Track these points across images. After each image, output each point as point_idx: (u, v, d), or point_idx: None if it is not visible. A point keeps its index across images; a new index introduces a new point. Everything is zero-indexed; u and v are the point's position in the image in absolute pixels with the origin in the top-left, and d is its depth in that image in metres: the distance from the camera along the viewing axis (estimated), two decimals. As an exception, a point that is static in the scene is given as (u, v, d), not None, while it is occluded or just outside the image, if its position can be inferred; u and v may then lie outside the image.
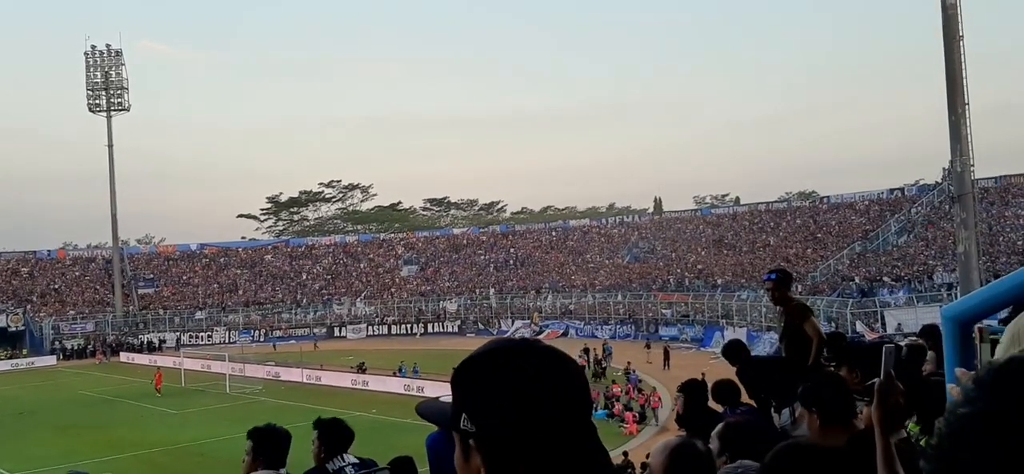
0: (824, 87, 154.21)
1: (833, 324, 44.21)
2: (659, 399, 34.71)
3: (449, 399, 1.47)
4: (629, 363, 42.50)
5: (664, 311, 63.78)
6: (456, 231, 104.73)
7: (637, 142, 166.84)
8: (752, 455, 3.03)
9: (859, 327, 45.73)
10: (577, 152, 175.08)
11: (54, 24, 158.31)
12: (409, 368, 45.45)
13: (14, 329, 75.35)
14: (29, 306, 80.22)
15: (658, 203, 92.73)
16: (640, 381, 39.80)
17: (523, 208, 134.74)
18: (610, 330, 63.25)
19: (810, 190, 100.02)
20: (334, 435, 5.35)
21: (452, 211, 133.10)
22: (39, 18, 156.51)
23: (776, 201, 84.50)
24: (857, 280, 57.47)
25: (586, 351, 45.53)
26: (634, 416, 33.06)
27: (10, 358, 70.98)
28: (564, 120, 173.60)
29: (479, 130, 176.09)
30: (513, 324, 71.35)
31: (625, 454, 23.61)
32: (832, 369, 5.86)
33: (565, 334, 65.67)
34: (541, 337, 65.73)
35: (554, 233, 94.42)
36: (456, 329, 74.30)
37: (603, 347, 48.18)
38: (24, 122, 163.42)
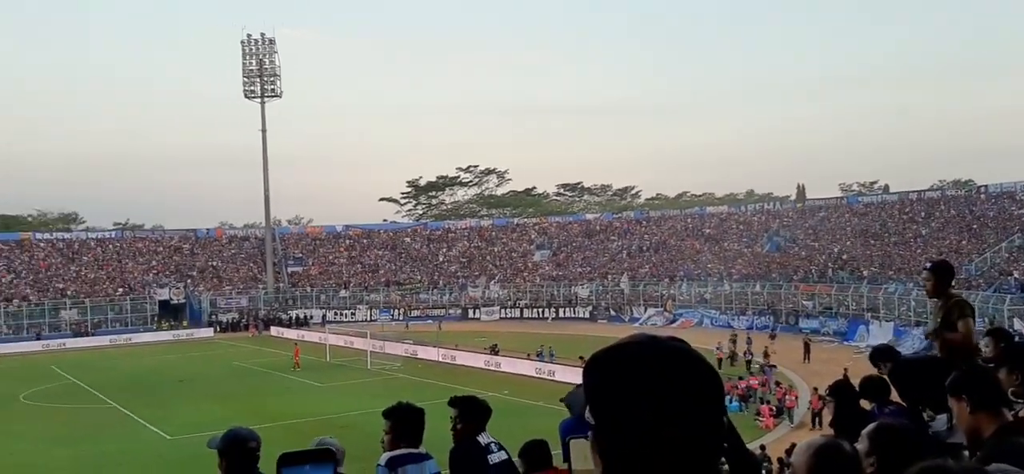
0: (981, 64, 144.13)
1: (989, 321, 41.50)
2: (796, 397, 33.50)
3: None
4: (767, 354, 41.30)
5: (805, 303, 61.52)
6: (589, 216, 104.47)
7: (778, 126, 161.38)
8: (905, 462, 2.89)
9: (1017, 324, 42.70)
10: (714, 137, 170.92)
11: (214, 15, 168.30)
12: (546, 352, 45.74)
13: (176, 302, 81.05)
14: (189, 281, 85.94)
15: (801, 190, 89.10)
16: (775, 369, 38.58)
17: (657, 194, 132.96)
18: (747, 320, 61.57)
19: (966, 178, 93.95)
20: (474, 411, 5.42)
21: (585, 196, 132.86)
22: (201, 9, 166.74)
23: (929, 190, 79.81)
24: (1016, 275, 53.58)
25: (734, 340, 44.97)
26: (770, 409, 32.12)
27: (172, 329, 76.43)
28: (700, 104, 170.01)
29: (614, 115, 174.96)
30: (646, 312, 70.64)
31: (762, 447, 23.05)
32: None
33: (700, 323, 64.47)
34: (675, 325, 64.85)
35: (690, 220, 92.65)
36: (587, 315, 74.24)
37: (746, 338, 46.90)
38: (187, 109, 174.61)
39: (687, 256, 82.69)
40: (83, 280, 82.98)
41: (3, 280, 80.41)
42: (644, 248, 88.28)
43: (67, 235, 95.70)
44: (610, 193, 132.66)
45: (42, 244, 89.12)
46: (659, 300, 72.10)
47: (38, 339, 70.63)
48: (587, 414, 1.39)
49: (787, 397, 33.39)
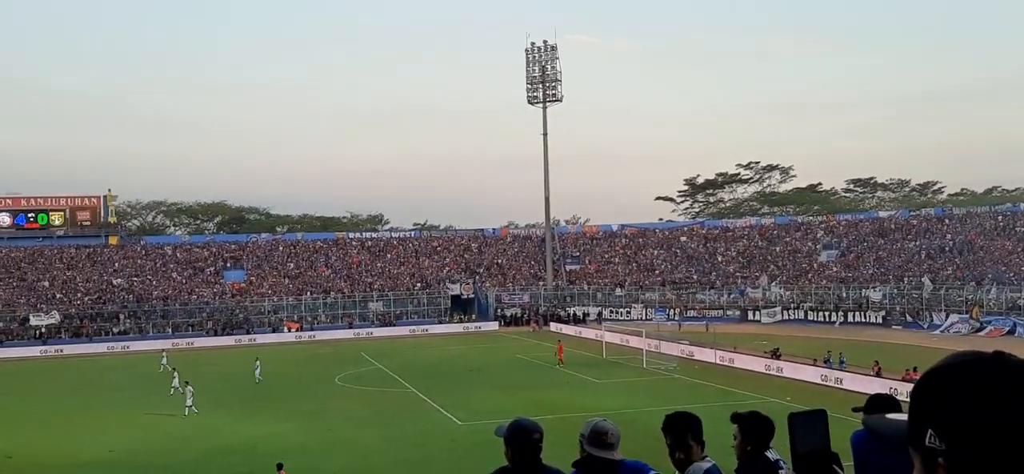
0: None
1: None
2: None
3: (895, 416, 1.51)
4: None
5: None
6: (882, 214, 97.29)
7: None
8: None
9: None
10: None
11: (501, 25, 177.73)
12: (835, 359, 43.36)
13: (466, 297, 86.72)
14: (477, 277, 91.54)
15: None
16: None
17: (962, 189, 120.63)
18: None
19: None
20: (757, 428, 5.03)
21: (878, 193, 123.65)
22: (489, 19, 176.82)
23: None
24: None
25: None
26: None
27: (461, 322, 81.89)
28: (1008, 92, 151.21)
29: (910, 105, 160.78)
30: (947, 318, 64.42)
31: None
32: None
33: (1011, 332, 57.72)
34: (981, 334, 58.58)
35: (1000, 218, 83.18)
36: (880, 320, 69.06)
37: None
38: (476, 116, 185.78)
39: (997, 258, 74.38)
40: (387, 275, 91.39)
41: (322, 274, 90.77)
42: (946, 249, 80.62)
43: (374, 234, 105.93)
44: (907, 189, 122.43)
45: (354, 242, 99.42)
46: (963, 305, 65.43)
47: (350, 328, 78.96)
48: (930, 438, 1.30)
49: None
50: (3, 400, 42.00)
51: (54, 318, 76.44)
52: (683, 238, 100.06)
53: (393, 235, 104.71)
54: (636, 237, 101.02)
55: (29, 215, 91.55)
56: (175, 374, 42.10)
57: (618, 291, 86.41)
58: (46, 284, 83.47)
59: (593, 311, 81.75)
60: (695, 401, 34.88)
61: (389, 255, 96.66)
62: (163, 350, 59.34)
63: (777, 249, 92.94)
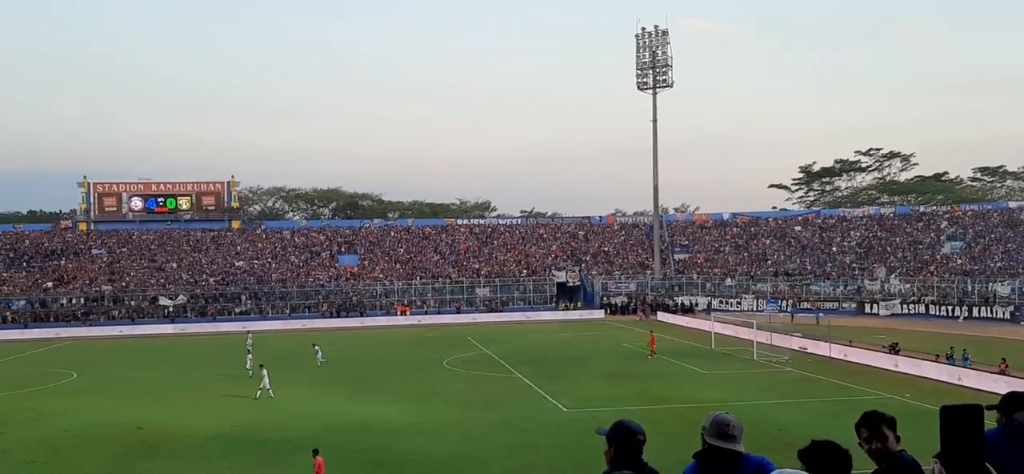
0: None
1: None
2: None
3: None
4: None
5: None
6: (1011, 204, 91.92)
7: None
8: None
9: None
10: None
11: (610, 11, 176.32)
12: (958, 355, 41.34)
13: (571, 284, 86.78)
14: (583, 265, 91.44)
15: None
16: None
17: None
18: None
19: None
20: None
21: (1008, 182, 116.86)
22: (598, 6, 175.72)
23: None
24: None
25: None
26: None
27: (567, 309, 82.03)
28: None
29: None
30: (1087, 316, 60.49)
31: None
32: None
33: None
34: None
35: None
36: (1007, 316, 65.43)
37: None
38: (584, 103, 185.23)
39: None
40: (494, 261, 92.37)
41: (431, 260, 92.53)
42: (1086, 241, 75.62)
43: (482, 221, 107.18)
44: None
45: (462, 229, 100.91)
46: (1104, 303, 61.29)
47: (458, 312, 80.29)
48: None
49: None
50: (135, 374, 44.72)
51: (181, 299, 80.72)
52: (797, 227, 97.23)
53: (500, 222, 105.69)
54: (748, 226, 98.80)
55: (159, 200, 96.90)
56: (250, 356, 44.07)
57: (728, 281, 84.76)
58: (174, 265, 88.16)
59: (702, 301, 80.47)
60: (809, 395, 33.96)
61: (496, 241, 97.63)
62: (249, 331, 61.81)
63: (897, 240, 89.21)
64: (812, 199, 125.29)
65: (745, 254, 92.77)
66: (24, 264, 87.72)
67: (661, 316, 75.03)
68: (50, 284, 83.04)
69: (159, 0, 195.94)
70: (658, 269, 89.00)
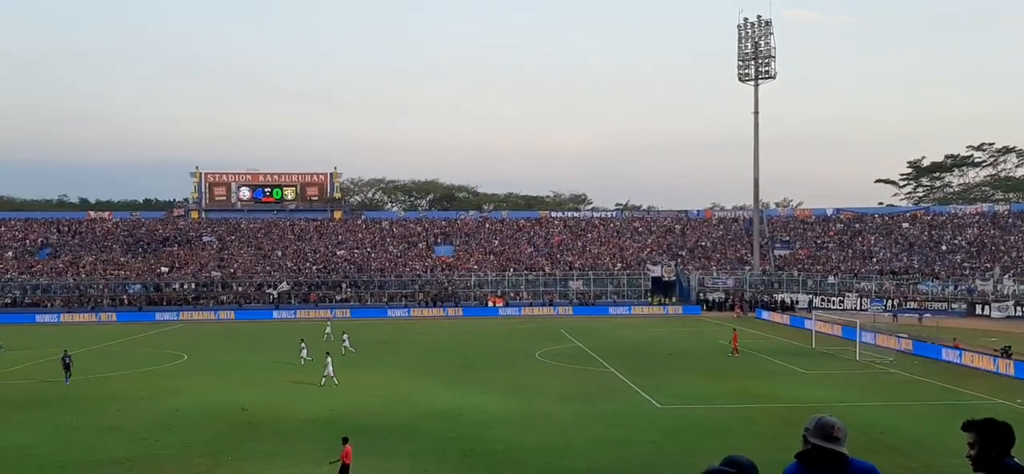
0: None
1: None
2: None
3: None
4: None
5: None
6: None
7: None
8: None
9: None
10: None
11: (712, 1, 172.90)
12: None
13: (667, 279, 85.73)
14: (680, 260, 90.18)
15: None
16: None
17: None
18: None
19: None
20: (996, 437, 4.32)
21: None
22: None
23: None
24: None
25: None
26: None
27: (662, 304, 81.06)
28: None
29: None
30: None
31: None
32: None
33: None
34: None
35: None
36: None
37: None
38: (682, 94, 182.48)
39: None
40: (588, 254, 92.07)
41: (524, 252, 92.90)
42: None
43: (576, 214, 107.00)
44: None
45: (556, 221, 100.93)
46: None
47: (550, 305, 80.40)
48: None
49: None
50: (241, 357, 46.52)
51: (285, 286, 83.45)
52: (904, 224, 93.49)
53: (595, 215, 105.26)
54: (852, 222, 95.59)
55: (266, 190, 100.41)
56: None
57: (830, 278, 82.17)
58: (279, 253, 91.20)
59: (802, 299, 78.29)
60: (914, 398, 32.65)
61: (590, 235, 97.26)
62: (328, 318, 63.18)
63: (1012, 239, 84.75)
64: (921, 195, 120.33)
65: (849, 251, 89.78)
66: (140, 250, 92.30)
67: (763, 314, 73.32)
68: (165, 269, 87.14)
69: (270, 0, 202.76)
70: (757, 265, 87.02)
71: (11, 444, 25.14)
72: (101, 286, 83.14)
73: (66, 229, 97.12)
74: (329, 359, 37.34)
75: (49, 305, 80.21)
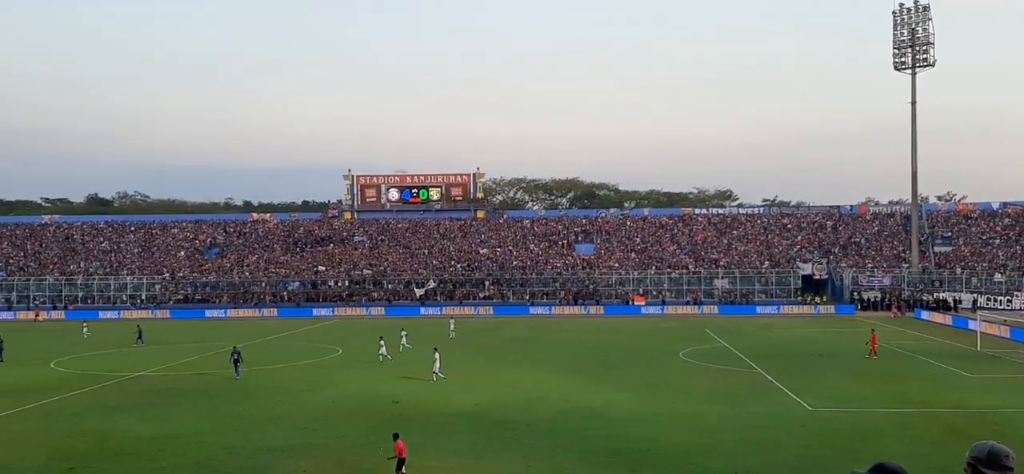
0: None
1: None
2: None
3: None
4: None
5: None
6: None
7: None
8: None
9: None
10: None
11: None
12: None
13: (818, 277, 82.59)
14: (831, 257, 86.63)
15: None
16: None
17: None
18: None
19: None
20: None
21: None
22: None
23: None
24: None
25: None
26: None
27: (813, 303, 78.12)
28: None
29: None
30: None
31: None
32: None
33: None
34: None
35: None
36: None
37: None
38: (832, 85, 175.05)
39: None
40: (734, 252, 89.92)
41: (667, 250, 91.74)
42: None
43: (721, 210, 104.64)
44: None
45: (700, 218, 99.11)
46: None
47: (695, 304, 79.09)
48: None
49: None
50: (391, 352, 48.30)
51: (431, 283, 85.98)
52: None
53: (741, 211, 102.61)
54: (1021, 217, 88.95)
55: (413, 191, 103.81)
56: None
57: (997, 276, 76.81)
58: (425, 252, 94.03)
59: (966, 298, 73.57)
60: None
61: (736, 232, 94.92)
62: (451, 316, 64.03)
63: None
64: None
65: (1017, 247, 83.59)
66: (299, 249, 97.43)
67: (924, 315, 69.44)
68: (321, 268, 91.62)
69: (418, 4, 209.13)
70: (916, 262, 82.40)
71: (182, 430, 27.17)
72: (263, 283, 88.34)
73: (232, 230, 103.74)
74: (437, 355, 37.90)
75: (217, 301, 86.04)
